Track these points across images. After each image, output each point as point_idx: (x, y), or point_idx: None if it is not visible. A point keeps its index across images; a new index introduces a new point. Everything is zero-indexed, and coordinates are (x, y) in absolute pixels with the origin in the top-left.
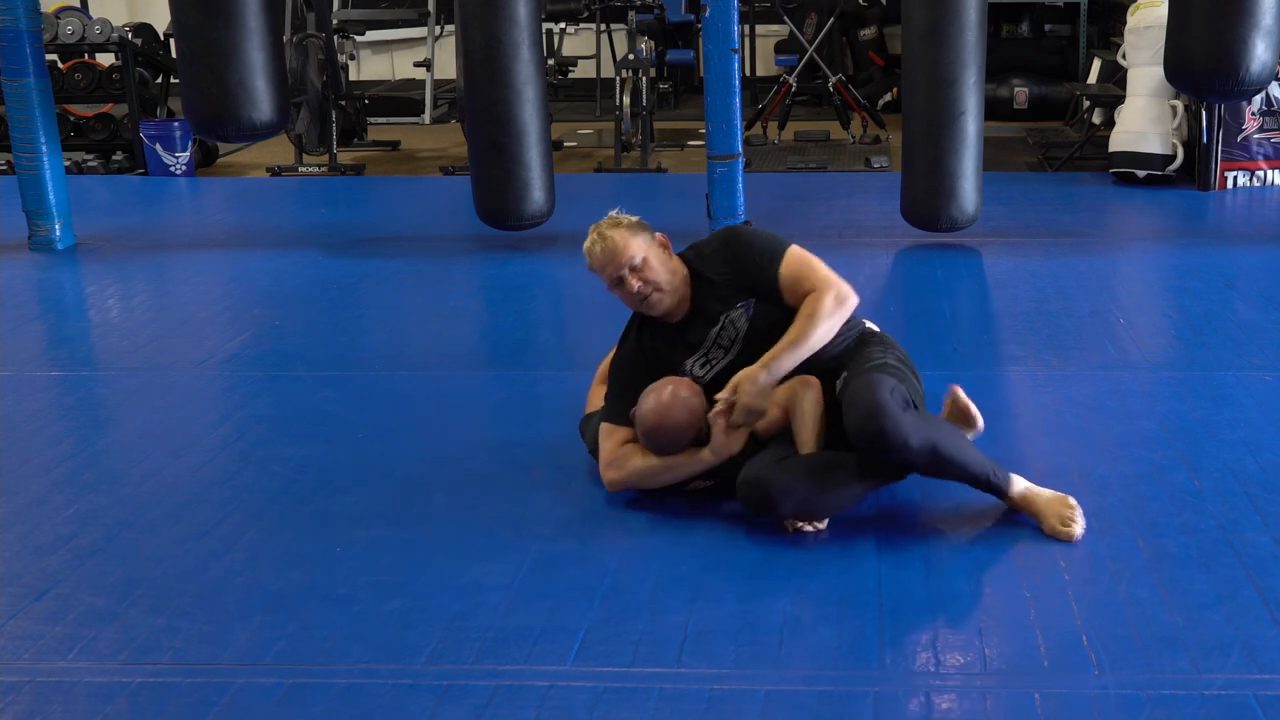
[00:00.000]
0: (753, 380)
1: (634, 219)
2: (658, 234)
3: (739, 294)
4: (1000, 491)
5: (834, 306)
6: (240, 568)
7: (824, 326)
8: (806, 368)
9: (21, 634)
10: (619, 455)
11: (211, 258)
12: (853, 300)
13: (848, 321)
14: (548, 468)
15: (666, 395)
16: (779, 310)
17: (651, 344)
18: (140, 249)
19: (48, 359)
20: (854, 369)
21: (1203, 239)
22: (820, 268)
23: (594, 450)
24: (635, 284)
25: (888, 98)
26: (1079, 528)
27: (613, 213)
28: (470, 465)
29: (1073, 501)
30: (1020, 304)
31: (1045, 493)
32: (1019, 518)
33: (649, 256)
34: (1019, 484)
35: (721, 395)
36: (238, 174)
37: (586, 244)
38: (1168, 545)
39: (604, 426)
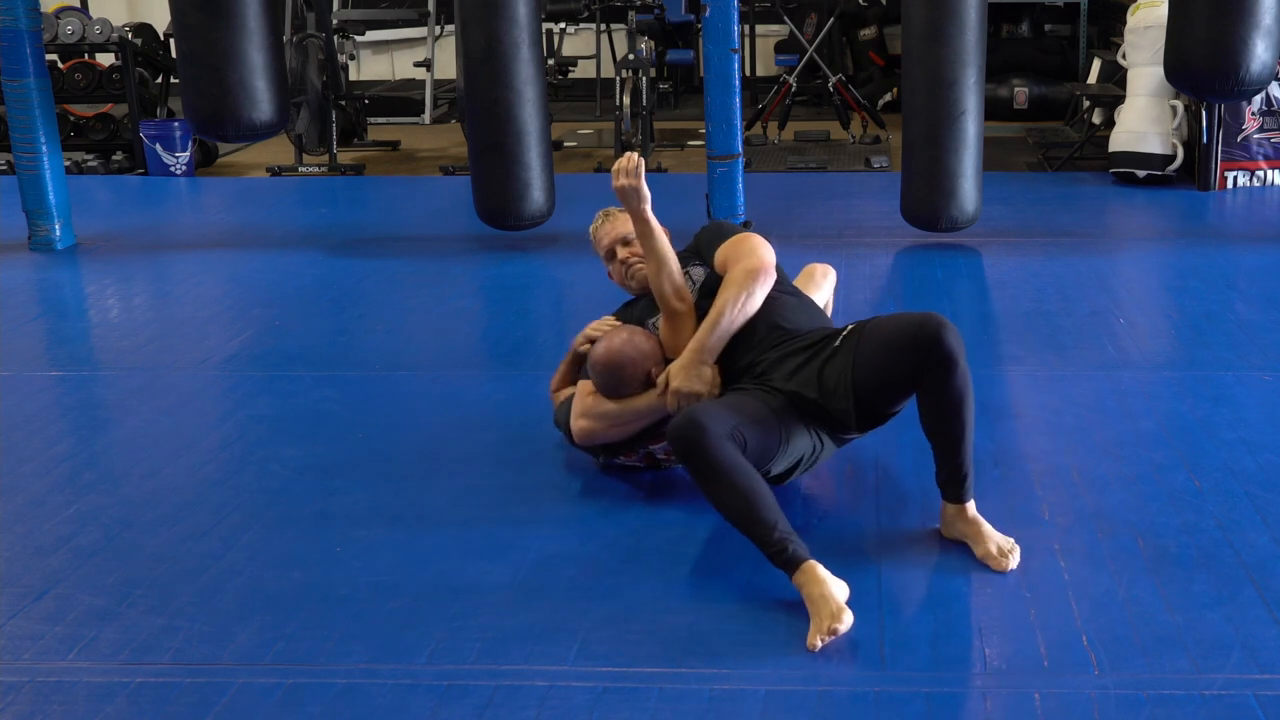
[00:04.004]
0: (683, 369)
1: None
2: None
3: (696, 257)
4: (965, 498)
5: (743, 278)
6: (240, 568)
7: (739, 297)
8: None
9: (21, 634)
10: (589, 405)
11: (211, 258)
12: (764, 270)
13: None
14: (548, 468)
15: (617, 340)
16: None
17: (628, 314)
18: (140, 249)
19: (48, 359)
20: (867, 323)
21: (1203, 239)
22: (745, 247)
23: (563, 427)
24: (624, 254)
25: (888, 98)
26: (1012, 561)
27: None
28: (470, 465)
29: (1012, 545)
30: (1020, 304)
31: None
32: (1018, 517)
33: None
34: (972, 508)
35: (659, 382)
36: (238, 174)
37: (593, 224)
38: (1168, 545)
39: (580, 383)
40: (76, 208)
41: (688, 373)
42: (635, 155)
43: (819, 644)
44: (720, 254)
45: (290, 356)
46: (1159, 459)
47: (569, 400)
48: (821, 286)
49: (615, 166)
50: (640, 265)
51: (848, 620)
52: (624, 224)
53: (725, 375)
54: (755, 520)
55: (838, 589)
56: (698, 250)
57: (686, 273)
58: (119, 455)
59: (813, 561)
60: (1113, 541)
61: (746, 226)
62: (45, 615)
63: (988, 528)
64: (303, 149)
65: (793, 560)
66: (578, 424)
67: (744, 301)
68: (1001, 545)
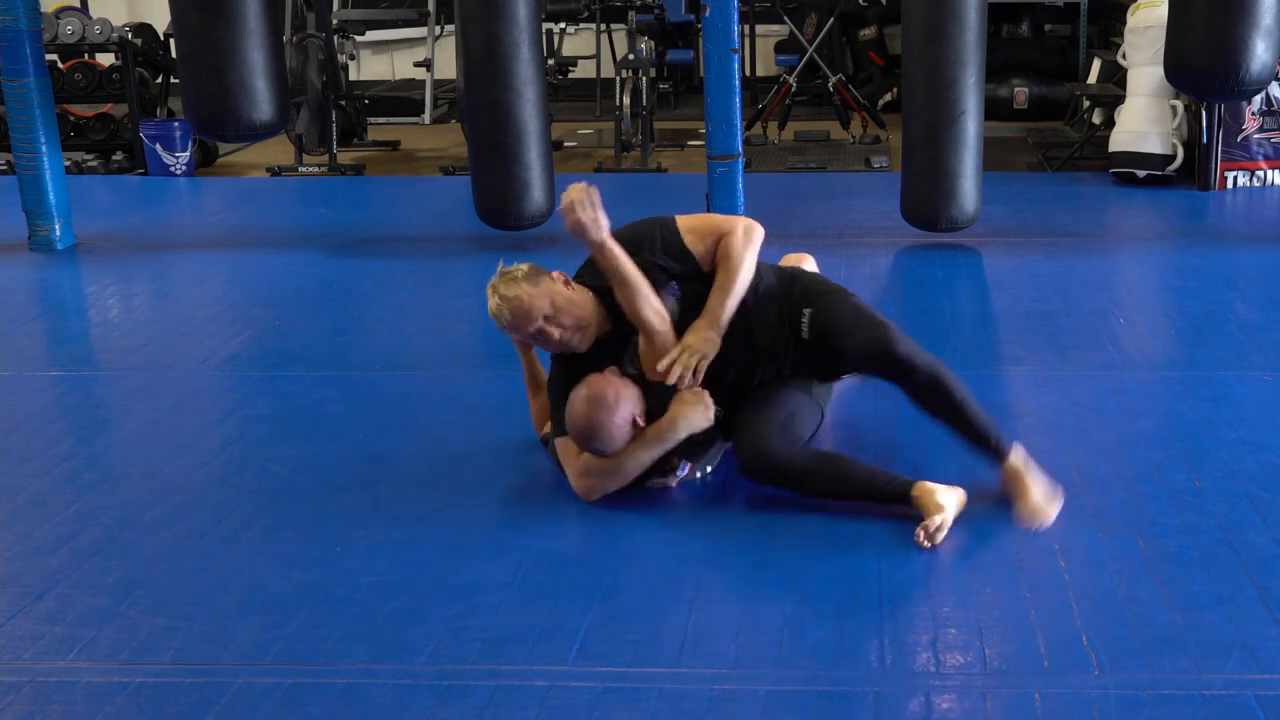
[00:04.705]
0: (699, 339)
1: (525, 268)
2: (554, 273)
3: (658, 274)
4: (1000, 453)
5: (745, 241)
6: (240, 568)
7: (745, 263)
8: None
9: (21, 634)
10: (586, 464)
11: (211, 258)
12: (760, 230)
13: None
14: (548, 468)
15: (580, 399)
16: (700, 283)
17: (581, 363)
18: (140, 249)
19: (48, 359)
20: (820, 302)
21: (1203, 239)
22: (713, 215)
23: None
24: (556, 333)
25: (888, 98)
26: (1051, 516)
27: (501, 267)
28: (470, 465)
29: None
30: (1020, 304)
31: (1038, 480)
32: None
33: (555, 301)
34: (1018, 455)
35: (670, 359)
36: (238, 174)
37: (491, 308)
38: (1168, 545)
39: (558, 443)
40: (76, 208)
41: (705, 338)
42: (585, 185)
43: (922, 540)
44: (694, 232)
45: (290, 356)
46: (1159, 459)
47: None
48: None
49: (566, 200)
50: (581, 337)
51: (940, 516)
52: (530, 304)
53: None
54: (856, 485)
55: (944, 494)
56: (629, 244)
57: (662, 296)
58: (119, 455)
59: (919, 482)
60: (1113, 541)
61: None
62: (45, 615)
63: (1028, 482)
64: (303, 149)
65: (903, 489)
66: (581, 483)
67: (752, 265)
68: (1037, 503)
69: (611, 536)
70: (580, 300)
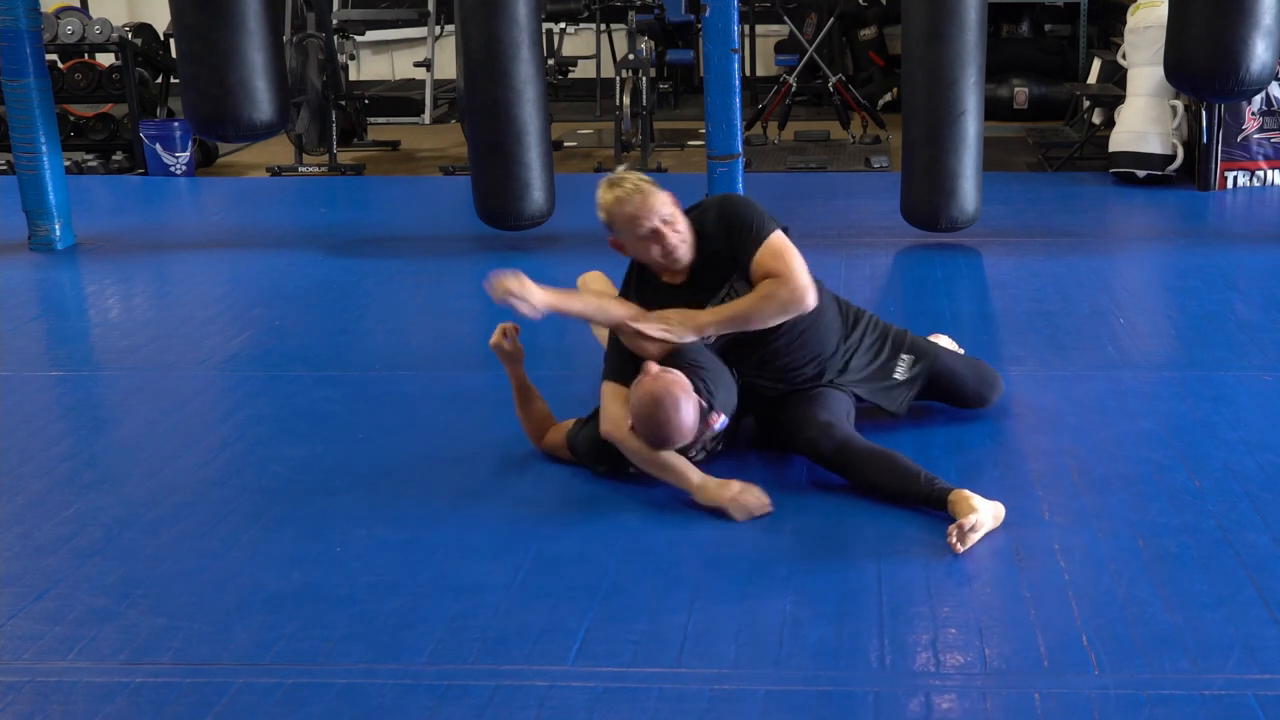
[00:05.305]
0: (677, 323)
1: (646, 177)
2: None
3: (734, 262)
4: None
5: (789, 298)
6: (240, 568)
7: (771, 311)
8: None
9: (21, 634)
10: (621, 417)
11: (211, 258)
12: (808, 301)
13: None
14: (548, 468)
15: (646, 400)
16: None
17: (652, 302)
18: (140, 249)
19: (48, 359)
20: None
21: (1203, 239)
22: (795, 259)
23: (582, 457)
24: (671, 237)
25: (888, 98)
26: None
27: (622, 169)
28: (470, 465)
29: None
30: (1020, 304)
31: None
32: (1018, 517)
33: (675, 211)
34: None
35: (653, 318)
36: (238, 174)
37: (614, 195)
38: (1168, 545)
39: (606, 385)
40: (76, 208)
41: (683, 329)
42: (504, 280)
43: (955, 543)
44: (762, 263)
45: (290, 356)
46: (1159, 459)
47: (583, 423)
48: None
49: (497, 296)
50: (685, 250)
51: (973, 517)
52: (659, 201)
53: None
54: (904, 480)
55: (981, 501)
56: (727, 230)
57: (734, 290)
58: (119, 455)
59: (959, 489)
60: (1113, 541)
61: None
62: (45, 615)
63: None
64: (303, 149)
65: (943, 492)
66: (604, 427)
67: (763, 319)
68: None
69: (611, 536)
70: (687, 222)
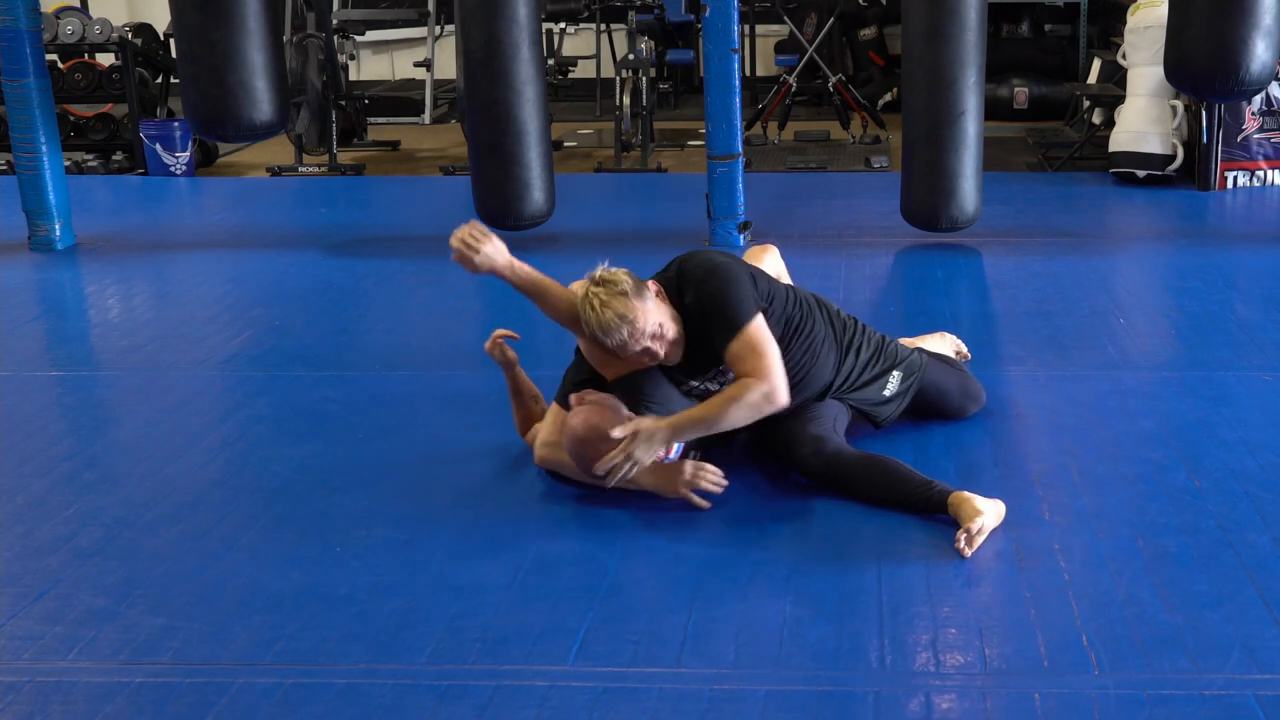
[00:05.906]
0: (650, 437)
1: (627, 279)
2: (648, 283)
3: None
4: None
5: (760, 401)
6: (240, 568)
7: (740, 415)
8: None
9: (21, 634)
10: (556, 443)
11: (211, 258)
12: (780, 402)
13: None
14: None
15: (583, 428)
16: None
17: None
18: (140, 249)
19: (48, 359)
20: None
21: (1203, 239)
22: (768, 355)
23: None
24: (661, 350)
25: (888, 98)
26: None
27: (603, 270)
28: (470, 465)
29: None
30: (1020, 304)
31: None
32: (1018, 517)
33: (662, 319)
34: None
35: (618, 435)
36: (238, 174)
37: (602, 318)
38: (1168, 545)
39: (553, 407)
40: (76, 208)
41: (652, 444)
42: (466, 227)
43: (963, 548)
44: (736, 356)
45: (290, 356)
46: (1159, 459)
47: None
48: (764, 262)
49: (455, 245)
50: (675, 351)
51: (980, 520)
52: (646, 319)
53: None
54: (901, 486)
55: (983, 502)
56: (703, 314)
57: (719, 372)
58: (119, 455)
59: (958, 491)
60: (1113, 541)
61: (746, 227)
62: (45, 615)
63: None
64: (303, 149)
65: (943, 498)
66: (540, 451)
67: (732, 422)
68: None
69: (611, 536)
70: (673, 316)
